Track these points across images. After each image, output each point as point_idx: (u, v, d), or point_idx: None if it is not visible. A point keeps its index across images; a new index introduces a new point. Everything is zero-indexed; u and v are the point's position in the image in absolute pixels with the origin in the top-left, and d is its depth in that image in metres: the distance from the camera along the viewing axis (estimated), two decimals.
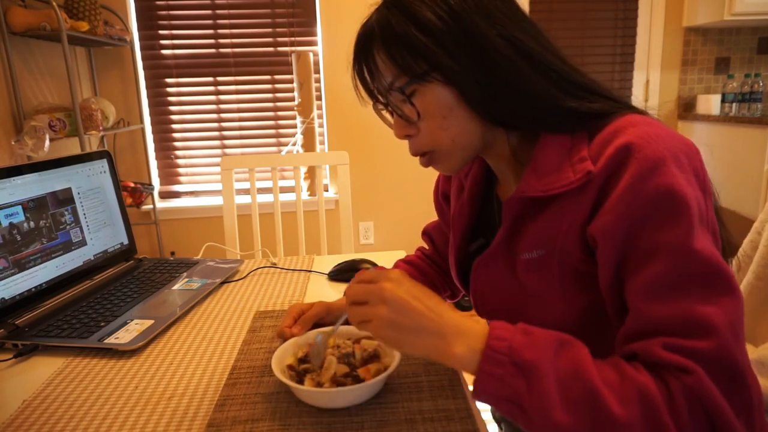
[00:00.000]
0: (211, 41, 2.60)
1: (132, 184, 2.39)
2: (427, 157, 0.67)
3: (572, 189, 0.57)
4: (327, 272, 1.12)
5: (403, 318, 0.53)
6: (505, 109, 0.61)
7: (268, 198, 1.76)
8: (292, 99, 2.68)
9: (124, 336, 0.82)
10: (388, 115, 0.69)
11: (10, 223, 0.90)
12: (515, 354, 0.49)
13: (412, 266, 0.92)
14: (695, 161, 0.54)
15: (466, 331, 0.52)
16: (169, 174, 2.73)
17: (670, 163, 0.52)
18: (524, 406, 0.48)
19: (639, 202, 0.52)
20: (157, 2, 2.54)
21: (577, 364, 0.49)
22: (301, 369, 0.66)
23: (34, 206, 0.96)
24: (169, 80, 2.62)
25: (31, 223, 0.95)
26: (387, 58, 0.61)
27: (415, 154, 0.68)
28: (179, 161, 2.72)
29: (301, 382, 0.64)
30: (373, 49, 0.63)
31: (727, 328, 0.48)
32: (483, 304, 0.72)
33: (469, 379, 0.56)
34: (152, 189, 2.51)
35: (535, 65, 0.59)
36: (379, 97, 0.66)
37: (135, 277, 1.09)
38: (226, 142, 2.71)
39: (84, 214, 1.08)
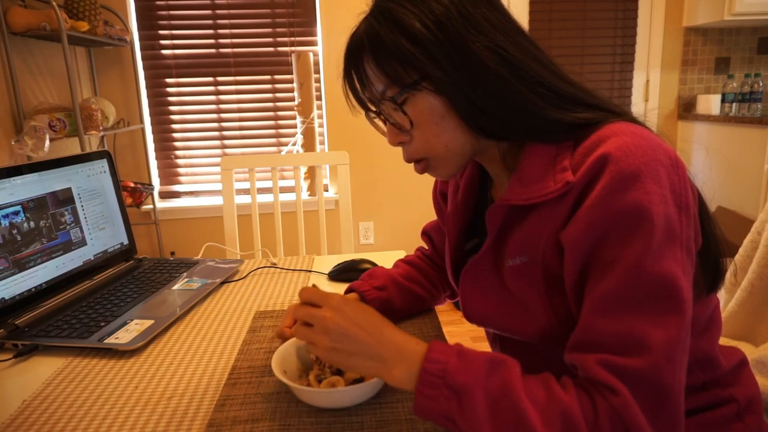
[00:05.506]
0: (211, 41, 2.60)
1: (132, 184, 2.39)
2: (423, 164, 0.67)
3: (552, 198, 0.58)
4: (327, 272, 1.12)
5: (345, 345, 0.56)
6: (491, 120, 0.61)
7: (268, 198, 1.77)
8: (292, 99, 2.68)
9: (124, 336, 0.82)
10: (380, 123, 0.69)
11: (10, 223, 0.90)
12: (449, 377, 0.52)
13: (411, 266, 0.92)
14: (674, 176, 0.54)
15: (405, 354, 0.55)
16: (169, 174, 2.73)
17: (645, 178, 0.52)
18: (457, 423, 0.51)
19: (606, 215, 0.53)
20: (157, 2, 2.53)
21: (506, 384, 0.51)
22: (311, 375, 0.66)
23: (34, 206, 0.96)
24: (169, 80, 2.62)
25: (31, 223, 0.95)
26: (377, 68, 0.61)
27: (409, 161, 0.68)
28: (179, 161, 2.71)
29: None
30: (362, 60, 0.63)
31: (663, 348, 0.49)
32: (471, 310, 0.72)
33: None
34: (152, 189, 2.51)
35: (521, 76, 0.59)
36: (371, 106, 0.67)
37: (135, 277, 1.09)
38: (226, 142, 2.71)
39: (84, 214, 1.08)
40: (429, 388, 0.52)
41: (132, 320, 0.88)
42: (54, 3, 1.80)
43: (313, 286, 0.62)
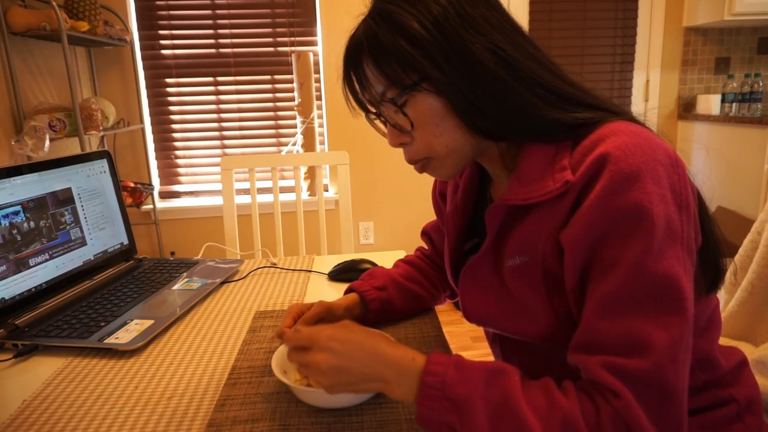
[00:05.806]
0: (211, 41, 2.60)
1: (132, 184, 2.39)
2: (421, 163, 0.67)
3: (551, 198, 0.57)
4: (327, 272, 1.12)
5: (344, 378, 0.57)
6: (489, 120, 0.61)
7: (268, 198, 1.77)
8: (292, 99, 2.68)
9: (124, 336, 0.82)
10: (380, 125, 0.69)
11: (10, 223, 0.90)
12: (448, 389, 0.52)
13: (411, 266, 0.92)
14: (674, 175, 0.54)
15: (404, 370, 0.56)
16: (169, 174, 2.73)
17: (644, 178, 0.52)
18: None
19: (606, 216, 0.53)
20: (157, 2, 2.53)
21: (506, 394, 0.51)
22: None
23: (34, 206, 0.96)
24: (169, 80, 2.62)
25: (31, 223, 0.95)
26: (376, 70, 0.61)
27: (411, 162, 0.68)
28: (179, 161, 2.71)
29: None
30: (362, 62, 0.63)
31: (666, 348, 0.49)
32: (471, 310, 0.72)
33: None
34: (152, 189, 2.51)
35: (520, 77, 0.59)
36: (371, 108, 0.67)
37: (135, 277, 1.09)
38: (226, 142, 2.71)
39: (84, 214, 1.08)
40: (429, 400, 0.52)
41: (132, 320, 0.88)
42: (54, 3, 1.80)
43: (295, 330, 0.62)
